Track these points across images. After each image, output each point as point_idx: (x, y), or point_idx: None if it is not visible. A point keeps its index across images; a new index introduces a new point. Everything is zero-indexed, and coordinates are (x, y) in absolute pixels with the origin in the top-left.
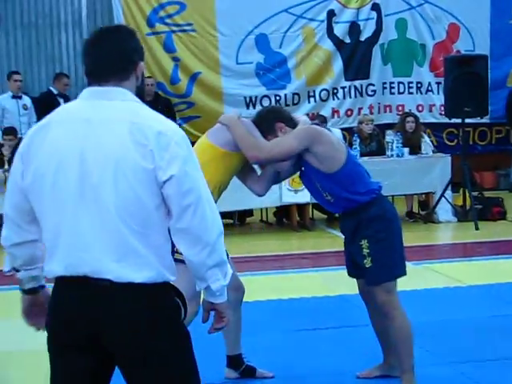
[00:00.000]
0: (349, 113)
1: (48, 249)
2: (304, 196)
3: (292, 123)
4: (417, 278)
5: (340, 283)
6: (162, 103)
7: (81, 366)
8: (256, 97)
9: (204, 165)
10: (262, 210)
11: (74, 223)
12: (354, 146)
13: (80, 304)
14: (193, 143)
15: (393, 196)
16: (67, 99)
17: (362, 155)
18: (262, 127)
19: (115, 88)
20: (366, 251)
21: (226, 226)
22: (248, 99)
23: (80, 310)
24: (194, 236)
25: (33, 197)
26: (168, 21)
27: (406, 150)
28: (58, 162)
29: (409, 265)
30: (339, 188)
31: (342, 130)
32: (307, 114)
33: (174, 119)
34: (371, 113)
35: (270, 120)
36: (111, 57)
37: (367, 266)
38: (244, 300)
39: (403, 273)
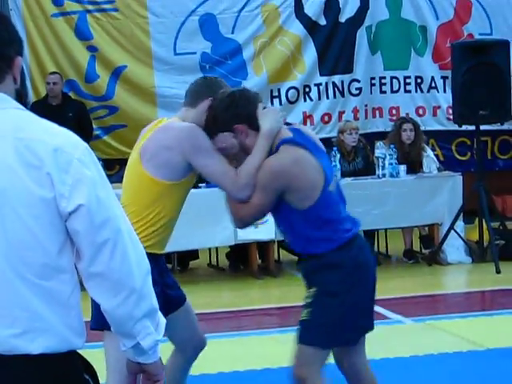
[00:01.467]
0: (326, 118)
1: None
2: (267, 231)
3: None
4: (418, 339)
5: None
6: (72, 108)
7: None
8: None
9: (155, 202)
10: (210, 250)
11: None
12: (333, 163)
13: None
14: (116, 161)
15: (386, 229)
16: None
17: (343, 175)
18: (212, 127)
19: None
20: (308, 300)
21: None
22: None
23: None
24: (115, 281)
25: None
26: None
27: (403, 167)
28: None
29: (407, 321)
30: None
31: None
32: None
33: (89, 129)
34: (356, 118)
35: (227, 121)
36: None
37: (302, 317)
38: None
39: (344, 344)
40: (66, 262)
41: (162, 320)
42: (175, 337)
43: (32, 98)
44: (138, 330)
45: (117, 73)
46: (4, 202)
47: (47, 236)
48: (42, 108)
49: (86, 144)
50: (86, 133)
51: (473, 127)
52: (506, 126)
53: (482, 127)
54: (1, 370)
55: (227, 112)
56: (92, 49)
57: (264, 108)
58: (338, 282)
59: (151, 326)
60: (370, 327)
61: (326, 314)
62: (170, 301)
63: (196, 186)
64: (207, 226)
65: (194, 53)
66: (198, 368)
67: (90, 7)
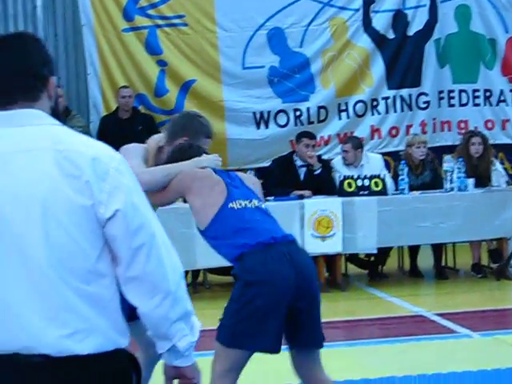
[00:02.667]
0: (393, 132)
1: None
2: (334, 244)
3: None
4: (485, 353)
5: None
6: (141, 122)
7: None
8: (269, 112)
9: None
10: None
11: None
12: (401, 177)
13: None
14: None
15: (454, 243)
16: None
17: (411, 189)
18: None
19: (25, 110)
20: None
21: (231, 284)
22: (258, 116)
23: None
24: (151, 284)
25: None
26: (151, 12)
27: (471, 181)
28: None
29: (475, 336)
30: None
31: (384, 154)
32: (337, 135)
33: None
34: (424, 132)
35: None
36: (14, 73)
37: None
38: None
39: (257, 348)
40: (104, 267)
41: (197, 323)
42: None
43: (102, 111)
44: (174, 333)
45: (186, 87)
46: (46, 210)
47: (87, 242)
48: (113, 122)
49: (121, 155)
50: None
51: None
52: None
53: None
54: (53, 371)
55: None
56: (162, 63)
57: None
58: (238, 290)
59: (186, 328)
60: (268, 349)
61: (227, 316)
62: None
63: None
64: None
65: (263, 66)
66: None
67: (160, 22)
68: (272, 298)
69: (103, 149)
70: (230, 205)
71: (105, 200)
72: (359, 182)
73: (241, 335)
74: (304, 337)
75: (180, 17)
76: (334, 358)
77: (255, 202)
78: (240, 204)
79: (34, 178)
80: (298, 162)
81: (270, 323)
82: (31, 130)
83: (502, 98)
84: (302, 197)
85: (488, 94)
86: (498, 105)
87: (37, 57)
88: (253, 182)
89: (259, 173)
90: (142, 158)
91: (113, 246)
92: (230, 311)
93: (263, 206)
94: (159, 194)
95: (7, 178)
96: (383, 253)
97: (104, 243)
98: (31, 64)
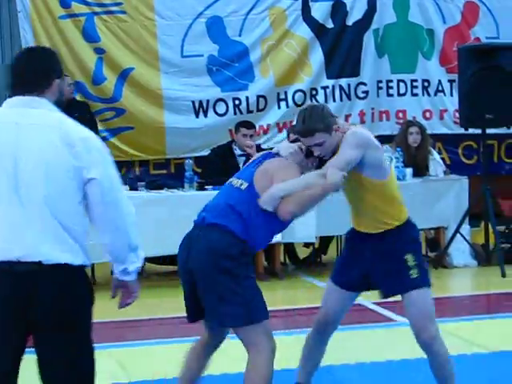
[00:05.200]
0: None
1: None
2: None
3: None
4: None
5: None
6: (77, 109)
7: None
8: (208, 101)
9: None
10: None
11: (8, 215)
12: None
13: (12, 284)
14: (123, 163)
15: None
16: None
17: None
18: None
19: (38, 98)
20: None
21: (169, 274)
22: (197, 104)
23: (12, 289)
24: (115, 226)
25: None
26: None
27: (409, 170)
28: None
29: None
30: None
31: None
32: (277, 124)
33: (94, 131)
34: (362, 121)
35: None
36: (33, 72)
37: None
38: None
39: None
40: (82, 210)
41: (142, 253)
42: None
43: None
44: (128, 258)
45: (124, 75)
46: (49, 167)
47: (74, 191)
48: None
49: (99, 140)
50: None
51: (479, 131)
52: None
53: (489, 131)
54: (44, 275)
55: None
56: (99, 51)
57: None
58: None
59: (135, 256)
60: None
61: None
62: None
63: (203, 188)
64: None
65: (201, 55)
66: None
67: (98, 9)
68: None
69: (90, 132)
70: (228, 180)
71: (88, 166)
72: None
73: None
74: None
75: (118, 4)
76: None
77: (238, 182)
78: (231, 181)
79: (43, 142)
80: (238, 151)
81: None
82: (43, 112)
83: (440, 88)
84: None
85: (426, 84)
86: (436, 95)
87: (49, 64)
88: (274, 167)
89: (198, 162)
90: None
91: (89, 198)
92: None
93: (243, 187)
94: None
95: (25, 142)
96: (324, 242)
97: (83, 194)
98: (44, 68)
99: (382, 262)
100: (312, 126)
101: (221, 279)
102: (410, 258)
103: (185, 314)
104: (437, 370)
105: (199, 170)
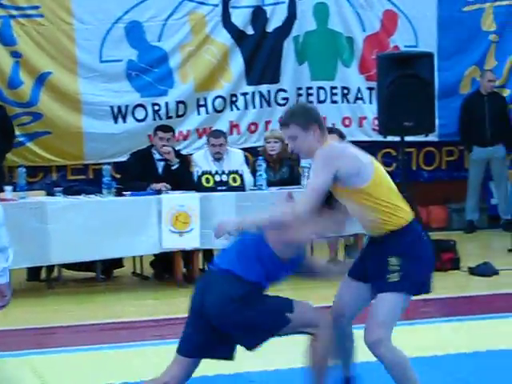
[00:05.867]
0: (252, 128)
1: None
2: (192, 240)
3: None
4: None
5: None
6: None
7: None
8: (127, 106)
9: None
10: (134, 259)
11: None
12: (258, 173)
13: None
14: (40, 168)
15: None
16: None
17: (270, 184)
18: None
19: None
20: None
21: (86, 280)
22: (116, 110)
23: None
24: None
25: None
26: (5, 2)
27: None
28: None
29: None
30: None
31: (244, 150)
32: (196, 130)
33: (11, 136)
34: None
35: None
36: None
37: None
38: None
39: None
40: None
41: (11, 255)
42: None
43: None
44: None
45: (41, 79)
46: None
47: None
48: None
49: None
50: (7, 138)
51: (398, 138)
52: (430, 138)
53: (407, 138)
54: None
55: None
56: (16, 54)
57: None
58: None
59: (2, 257)
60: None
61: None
62: None
63: (121, 194)
64: (132, 234)
65: (120, 60)
66: (120, 377)
67: (15, 12)
68: None
69: None
70: None
71: None
72: (217, 178)
73: None
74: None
75: (35, 8)
76: None
77: None
78: None
79: None
80: (157, 156)
81: None
82: None
83: (360, 96)
84: (159, 192)
85: (346, 91)
86: (355, 102)
87: None
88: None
89: (117, 167)
90: None
91: None
92: None
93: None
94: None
95: None
96: None
97: None
98: None
99: (372, 263)
100: (289, 118)
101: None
102: (393, 261)
103: (102, 320)
104: (389, 372)
105: (118, 176)
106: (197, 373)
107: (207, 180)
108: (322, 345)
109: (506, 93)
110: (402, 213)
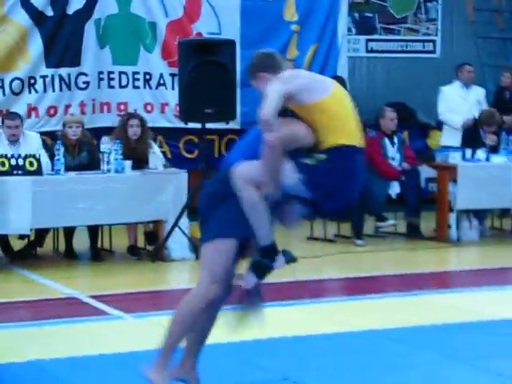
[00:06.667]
0: (51, 111)
1: None
2: None
3: None
4: (138, 334)
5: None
6: None
7: None
8: None
9: None
10: None
11: None
12: (57, 157)
13: None
14: None
15: (110, 225)
16: None
17: (69, 169)
18: None
19: None
20: None
21: None
22: None
23: None
24: None
25: None
26: None
27: (128, 163)
28: None
29: (127, 318)
30: None
31: (42, 134)
32: None
33: None
34: (83, 113)
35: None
36: None
37: None
38: None
39: None
40: None
41: None
42: None
43: None
44: None
45: None
46: None
47: None
48: None
49: None
50: None
51: (199, 125)
52: (232, 125)
53: (210, 126)
54: None
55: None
56: None
57: None
58: None
59: None
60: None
61: None
62: None
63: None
64: None
65: None
66: None
67: None
68: None
69: None
70: None
71: None
72: (13, 161)
73: None
74: None
75: None
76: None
77: None
78: None
79: None
80: None
81: None
82: None
83: (162, 82)
84: None
85: (148, 77)
86: (157, 88)
87: None
88: None
89: None
90: None
91: None
92: None
93: None
94: None
95: None
96: (40, 234)
97: None
98: None
99: None
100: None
101: None
102: None
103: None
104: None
105: None
106: None
107: (2, 164)
108: (190, 299)
109: None
110: (331, 137)
